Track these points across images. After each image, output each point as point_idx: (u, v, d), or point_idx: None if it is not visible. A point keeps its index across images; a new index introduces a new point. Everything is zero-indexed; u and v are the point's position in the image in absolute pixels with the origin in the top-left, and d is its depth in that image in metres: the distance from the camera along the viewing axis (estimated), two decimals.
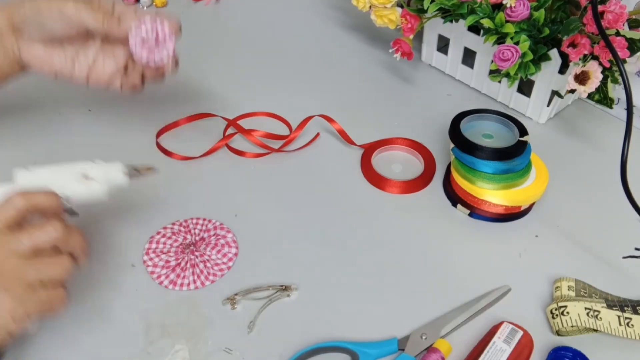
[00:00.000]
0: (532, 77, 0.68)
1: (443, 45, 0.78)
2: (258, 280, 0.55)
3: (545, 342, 0.50)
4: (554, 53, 0.64)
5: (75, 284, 0.54)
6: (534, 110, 0.72)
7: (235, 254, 0.57)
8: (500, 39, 0.66)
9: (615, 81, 0.65)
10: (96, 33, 0.54)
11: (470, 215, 0.61)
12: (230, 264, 0.56)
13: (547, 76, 0.67)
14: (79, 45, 0.56)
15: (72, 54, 0.56)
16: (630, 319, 0.48)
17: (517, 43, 0.64)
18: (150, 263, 0.55)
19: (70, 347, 0.49)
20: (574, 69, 0.63)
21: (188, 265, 0.55)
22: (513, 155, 0.58)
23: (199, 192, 0.62)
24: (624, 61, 0.60)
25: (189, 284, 0.54)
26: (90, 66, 0.56)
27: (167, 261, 0.55)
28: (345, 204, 0.62)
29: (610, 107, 0.67)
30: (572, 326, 0.49)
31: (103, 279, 0.54)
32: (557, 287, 0.53)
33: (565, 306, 0.50)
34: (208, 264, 0.55)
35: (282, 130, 0.71)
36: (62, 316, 0.51)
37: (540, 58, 0.65)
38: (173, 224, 0.58)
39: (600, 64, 0.62)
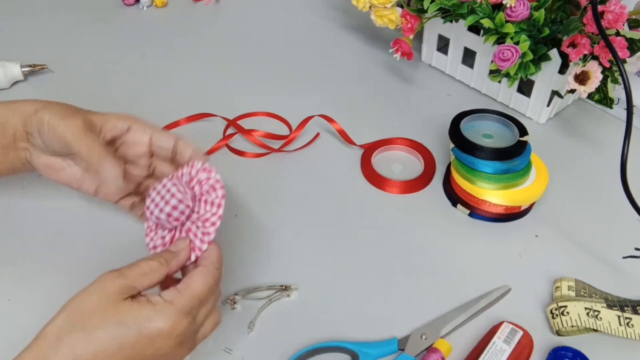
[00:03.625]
0: (532, 77, 0.68)
1: (443, 45, 0.78)
2: (258, 280, 0.54)
3: (545, 342, 0.50)
4: (554, 53, 0.64)
5: (75, 285, 0.54)
6: (534, 110, 0.72)
7: (223, 196, 0.47)
8: (500, 39, 0.66)
9: (615, 81, 0.65)
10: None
11: (470, 215, 0.61)
12: (220, 211, 0.46)
13: (547, 76, 0.67)
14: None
15: (80, 169, 0.51)
16: (630, 319, 0.48)
17: (517, 43, 0.64)
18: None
19: None
20: (574, 69, 0.63)
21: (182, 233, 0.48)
22: (513, 155, 0.58)
23: None
24: (624, 61, 0.60)
25: None
26: (99, 183, 0.51)
27: (163, 237, 0.49)
28: (345, 204, 0.62)
29: (610, 107, 0.67)
30: (572, 326, 0.49)
31: None
32: (557, 287, 0.53)
33: (565, 306, 0.50)
34: (199, 223, 0.47)
35: (282, 130, 0.71)
36: None
37: (540, 58, 0.65)
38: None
39: (600, 64, 0.62)
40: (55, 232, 0.58)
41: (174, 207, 0.46)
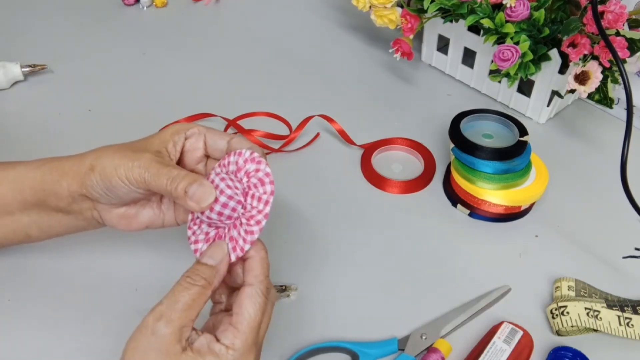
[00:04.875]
0: (532, 77, 0.68)
1: (443, 45, 0.78)
2: None
3: (545, 342, 0.50)
4: (554, 53, 0.64)
5: (73, 287, 0.54)
6: (534, 110, 0.72)
7: (272, 192, 0.43)
8: (500, 39, 0.66)
9: (615, 81, 0.65)
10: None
11: (470, 215, 0.61)
12: (267, 209, 0.43)
13: (547, 76, 0.67)
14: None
15: (156, 203, 0.49)
16: (630, 319, 0.48)
17: (517, 43, 0.64)
18: None
19: (67, 345, 0.49)
20: (574, 69, 0.63)
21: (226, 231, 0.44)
22: (513, 155, 0.58)
23: None
24: (624, 61, 0.60)
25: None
26: (175, 208, 0.49)
27: (207, 233, 0.46)
28: (345, 204, 0.62)
29: (610, 107, 0.67)
30: (572, 326, 0.49)
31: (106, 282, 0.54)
32: (557, 287, 0.53)
33: (565, 306, 0.50)
34: (243, 220, 0.43)
35: (282, 130, 0.71)
36: (64, 317, 0.51)
37: (540, 58, 0.65)
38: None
39: (600, 64, 0.62)
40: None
41: (224, 205, 0.42)
